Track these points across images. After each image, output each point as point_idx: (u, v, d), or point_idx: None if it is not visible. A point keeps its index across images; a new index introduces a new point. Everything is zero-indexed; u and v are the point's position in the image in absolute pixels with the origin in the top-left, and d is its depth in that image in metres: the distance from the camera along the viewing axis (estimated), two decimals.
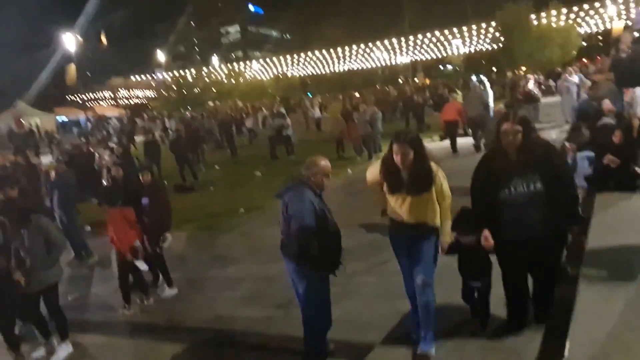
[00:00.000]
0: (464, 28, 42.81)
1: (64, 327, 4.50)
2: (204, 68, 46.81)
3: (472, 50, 46.35)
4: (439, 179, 3.40)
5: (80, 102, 41.01)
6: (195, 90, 40.41)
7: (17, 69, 42.00)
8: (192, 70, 41.00)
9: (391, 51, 51.65)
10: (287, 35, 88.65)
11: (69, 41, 34.97)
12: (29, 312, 4.36)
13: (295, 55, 54.75)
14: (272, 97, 47.54)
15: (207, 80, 44.20)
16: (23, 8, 43.17)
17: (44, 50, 39.45)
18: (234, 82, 46.01)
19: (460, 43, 45.48)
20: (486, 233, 3.29)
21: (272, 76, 53.90)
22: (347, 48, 51.53)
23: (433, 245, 3.46)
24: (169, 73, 41.96)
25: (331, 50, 52.02)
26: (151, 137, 12.64)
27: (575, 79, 12.80)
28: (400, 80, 60.10)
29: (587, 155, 6.16)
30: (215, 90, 43.28)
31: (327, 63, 56.05)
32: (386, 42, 49.45)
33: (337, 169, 13.25)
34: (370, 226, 7.35)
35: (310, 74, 58.71)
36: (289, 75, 56.15)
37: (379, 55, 52.54)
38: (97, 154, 10.28)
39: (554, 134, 12.86)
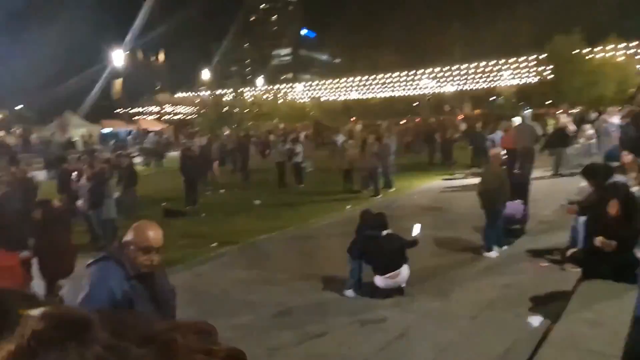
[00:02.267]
0: (513, 59, 40.92)
1: None
2: (247, 88, 47.39)
3: (523, 82, 44.17)
4: None
5: (127, 115, 42.48)
6: (235, 110, 40.76)
7: (73, 83, 44.51)
8: (232, 89, 41.51)
9: (438, 79, 50.38)
10: (337, 60, 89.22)
11: (118, 57, 36.45)
12: None
13: (341, 79, 54.55)
14: (312, 120, 47.31)
15: (249, 100, 44.61)
16: (80, 27, 45.99)
17: (98, 66, 41.49)
18: (274, 102, 46.23)
19: (510, 74, 43.50)
20: None
21: (315, 98, 53.93)
22: (393, 74, 50.82)
23: None
24: (212, 92, 42.76)
25: (377, 75, 51.47)
26: (127, 162, 12.21)
27: (615, 120, 11.21)
28: (446, 109, 58.53)
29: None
30: (254, 111, 43.53)
31: (373, 88, 55.44)
32: (432, 69, 48.30)
33: (337, 203, 12.34)
34: (330, 282, 6.33)
35: (355, 98, 58.19)
36: (333, 98, 55.93)
37: (426, 82, 51.36)
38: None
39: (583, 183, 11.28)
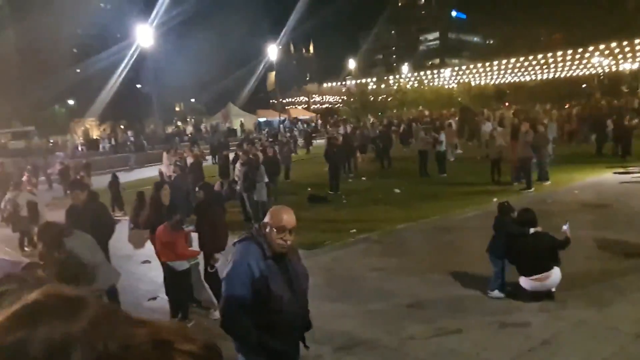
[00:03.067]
0: None
1: None
2: (392, 75, 47.12)
3: None
4: None
5: (280, 105, 45.80)
6: (379, 98, 40.99)
7: (234, 78, 49.76)
8: (375, 78, 41.73)
9: (614, 56, 43.41)
10: (490, 41, 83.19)
11: (272, 52, 39.39)
12: None
13: (494, 62, 50.66)
14: (460, 106, 45.17)
15: (393, 88, 44.34)
16: (240, 28, 50.99)
17: (255, 61, 45.56)
18: (419, 89, 45.15)
19: None
20: None
21: (464, 84, 51.08)
22: (557, 53, 45.35)
23: None
24: (357, 80, 43.54)
25: (537, 55, 46.55)
26: (271, 151, 13.05)
27: None
28: (624, 91, 50.36)
29: None
30: (399, 99, 43.22)
31: (531, 70, 50.40)
32: (606, 45, 41.76)
33: (482, 195, 11.56)
34: (468, 277, 6.04)
35: (511, 82, 53.59)
36: (484, 82, 52.33)
37: (598, 60, 44.74)
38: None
39: None
